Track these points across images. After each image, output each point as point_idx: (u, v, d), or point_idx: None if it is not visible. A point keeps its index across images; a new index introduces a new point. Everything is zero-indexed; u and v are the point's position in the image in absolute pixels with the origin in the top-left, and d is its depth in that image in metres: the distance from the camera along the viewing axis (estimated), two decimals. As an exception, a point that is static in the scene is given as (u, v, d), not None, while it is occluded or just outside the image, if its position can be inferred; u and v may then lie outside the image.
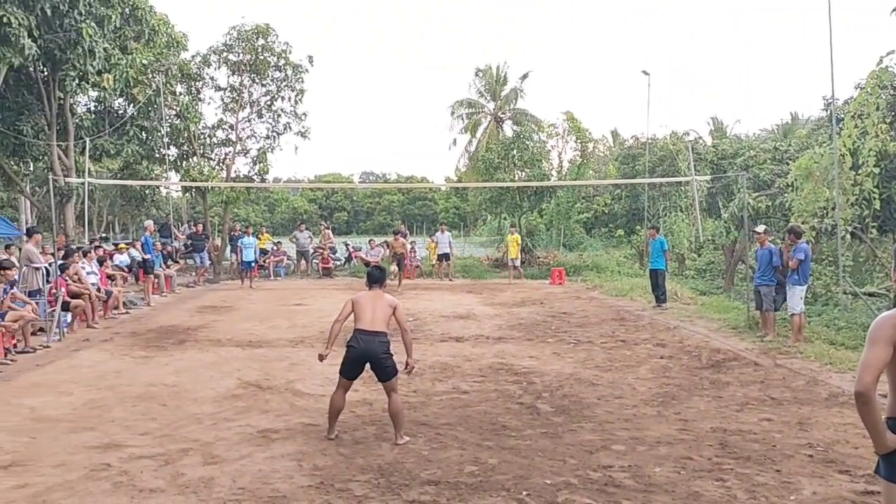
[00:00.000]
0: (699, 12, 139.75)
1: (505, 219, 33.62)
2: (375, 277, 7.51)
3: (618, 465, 6.17)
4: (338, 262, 27.93)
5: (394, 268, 21.40)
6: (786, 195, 18.53)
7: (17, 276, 12.97)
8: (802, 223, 15.24)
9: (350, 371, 7.08)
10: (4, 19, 15.26)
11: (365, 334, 6.99)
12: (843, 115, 17.18)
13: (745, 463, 6.17)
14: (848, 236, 16.21)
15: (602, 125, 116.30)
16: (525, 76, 51.96)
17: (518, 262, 24.66)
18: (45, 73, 19.65)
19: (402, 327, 7.21)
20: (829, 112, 22.46)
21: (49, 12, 16.31)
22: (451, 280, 24.63)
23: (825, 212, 16.66)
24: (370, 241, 27.51)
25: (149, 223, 22.42)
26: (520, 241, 25.04)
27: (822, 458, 6.27)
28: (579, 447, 6.67)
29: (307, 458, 6.39)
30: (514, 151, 28.25)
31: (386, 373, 7.00)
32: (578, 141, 31.28)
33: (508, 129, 49.75)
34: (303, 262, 27.11)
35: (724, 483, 5.71)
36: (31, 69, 18.84)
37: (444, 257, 25.26)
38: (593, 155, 35.11)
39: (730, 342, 12.14)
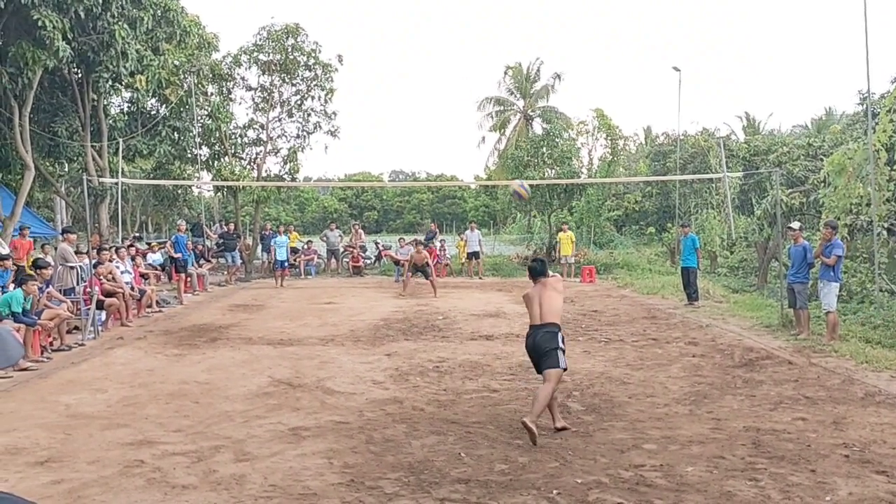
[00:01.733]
0: (731, 6, 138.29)
1: (535, 217, 33.57)
2: (536, 271, 7.54)
3: (649, 464, 6.12)
4: (368, 261, 28.03)
5: (408, 276, 20.49)
6: (819, 191, 18.30)
7: (52, 275, 13.19)
8: (836, 220, 15.03)
9: (535, 366, 7.25)
10: (39, 22, 15.47)
11: (532, 329, 7.14)
12: (878, 110, 16.93)
13: (779, 463, 6.09)
14: (884, 233, 15.96)
15: (633, 122, 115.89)
16: (558, 77, 51.73)
17: (572, 260, 24.51)
18: (79, 75, 19.93)
19: None
20: (864, 107, 22.14)
21: (82, 15, 16.49)
22: (480, 278, 24.61)
23: (859, 208, 16.42)
24: (400, 239, 27.56)
25: (181, 222, 22.66)
26: (574, 239, 24.94)
27: (859, 458, 6.17)
28: (610, 446, 6.63)
29: (338, 456, 6.41)
30: (544, 149, 28.18)
31: (546, 363, 6.97)
32: (608, 138, 31.14)
33: (538, 126, 49.60)
34: (333, 260, 27.26)
35: (758, 483, 5.63)
36: (66, 71, 19.11)
37: (473, 255, 25.25)
38: (623, 152, 34.90)
39: (763, 340, 11.99)
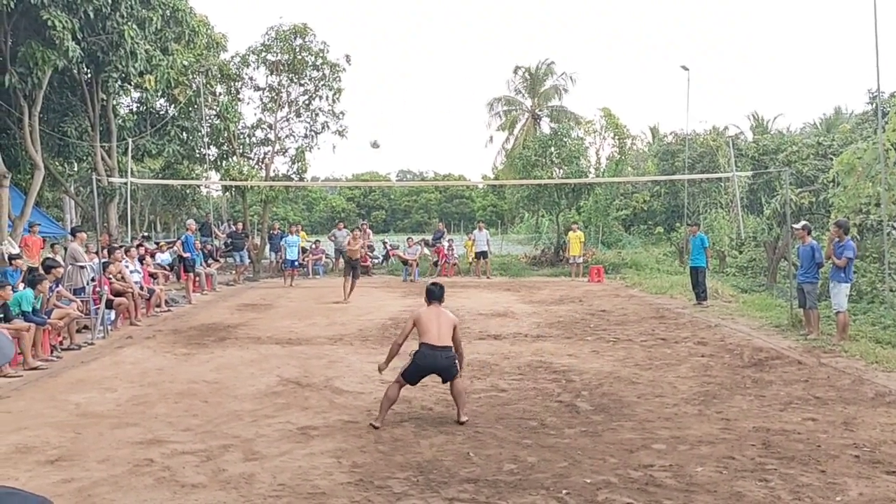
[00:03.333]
0: (739, 4, 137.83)
1: (542, 216, 33.53)
2: (435, 294, 7.85)
3: (658, 464, 6.11)
4: (376, 261, 28.03)
5: (346, 279, 18.56)
6: (829, 191, 18.23)
7: (62, 275, 13.24)
8: (846, 219, 14.96)
9: (414, 380, 7.53)
10: (49, 22, 15.52)
11: (432, 349, 7.37)
12: (888, 109, 16.85)
13: (789, 463, 6.07)
14: (894, 232, 15.89)
15: (641, 121, 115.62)
16: (570, 78, 51.68)
17: (581, 260, 24.52)
18: (89, 75, 19.98)
19: (456, 345, 7.62)
20: (874, 105, 22.05)
21: (92, 15, 16.55)
22: (488, 278, 24.60)
23: (868, 208, 16.35)
24: (408, 238, 27.59)
25: (190, 222, 22.72)
26: (583, 239, 24.95)
27: (869, 458, 6.14)
28: (619, 446, 6.61)
29: (346, 455, 6.42)
30: (552, 148, 28.13)
31: (450, 375, 7.49)
32: (616, 137, 31.06)
33: (546, 126, 49.55)
34: (341, 260, 27.25)
35: (768, 483, 5.62)
36: (75, 71, 19.16)
37: (481, 255, 25.24)
38: (632, 151, 34.85)
39: (772, 340, 11.94)
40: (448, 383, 7.56)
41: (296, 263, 23.51)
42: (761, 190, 28.42)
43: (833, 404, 7.89)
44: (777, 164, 25.39)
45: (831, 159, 20.88)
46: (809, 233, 12.80)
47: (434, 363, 7.36)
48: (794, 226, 13.15)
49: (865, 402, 7.98)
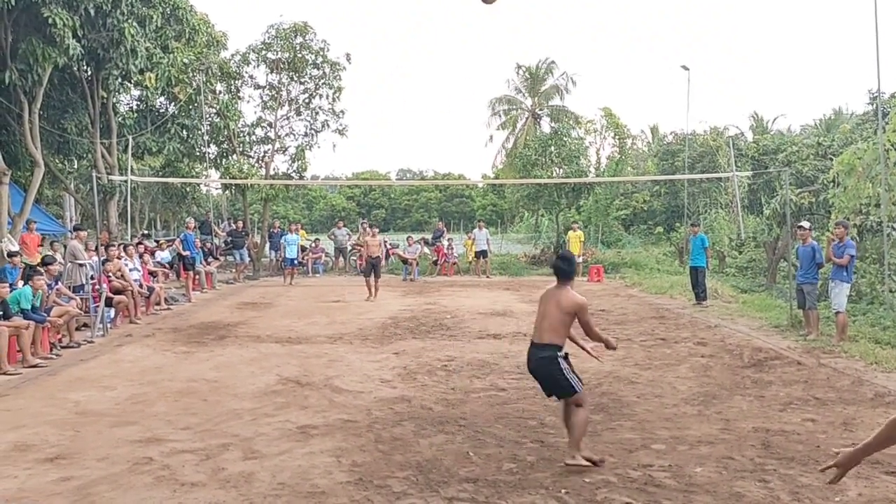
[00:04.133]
0: (739, 4, 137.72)
1: (542, 216, 33.54)
2: (560, 270, 6.22)
3: (658, 464, 6.10)
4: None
5: (368, 281, 18.44)
6: (829, 191, 18.23)
7: (62, 272, 13.24)
8: (846, 219, 14.96)
9: (542, 388, 6.30)
10: (50, 20, 15.53)
11: (532, 346, 6.20)
12: (889, 109, 16.85)
13: (789, 463, 6.06)
14: (894, 233, 15.88)
15: (641, 121, 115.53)
16: (571, 80, 51.65)
17: (580, 260, 24.47)
18: (89, 73, 19.97)
19: (586, 331, 6.19)
20: (874, 106, 22.06)
21: (92, 12, 16.56)
22: (488, 277, 24.59)
23: (868, 209, 16.34)
24: (408, 237, 27.57)
25: (189, 220, 22.71)
26: (583, 238, 24.94)
27: (868, 459, 6.12)
28: (619, 446, 6.61)
29: (346, 455, 6.41)
30: (552, 148, 28.11)
31: (557, 390, 6.09)
32: (616, 137, 31.06)
33: (546, 125, 49.54)
34: (341, 258, 27.29)
35: (767, 484, 5.61)
36: (75, 68, 19.15)
37: (481, 254, 25.21)
38: (632, 151, 34.87)
39: (772, 341, 11.94)
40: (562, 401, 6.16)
41: (296, 262, 23.54)
42: (761, 190, 28.45)
43: (832, 405, 7.89)
44: (777, 164, 25.40)
45: (831, 160, 20.89)
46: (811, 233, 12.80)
47: (529, 363, 6.17)
48: (803, 224, 13.11)
49: (865, 402, 7.97)
